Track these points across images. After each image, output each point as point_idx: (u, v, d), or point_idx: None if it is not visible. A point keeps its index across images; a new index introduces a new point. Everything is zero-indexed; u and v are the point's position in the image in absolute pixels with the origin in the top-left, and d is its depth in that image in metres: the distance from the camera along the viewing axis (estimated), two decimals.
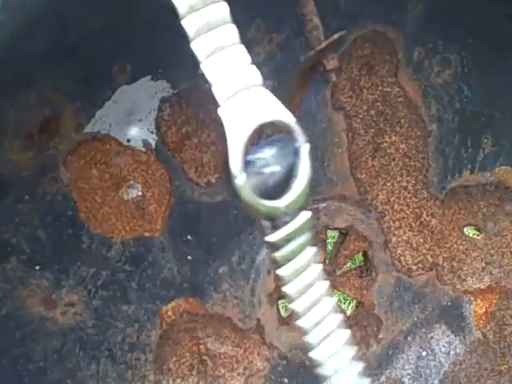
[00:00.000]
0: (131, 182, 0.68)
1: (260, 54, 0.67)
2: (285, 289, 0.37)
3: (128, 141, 0.66)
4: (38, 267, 0.64)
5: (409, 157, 0.79)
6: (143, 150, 0.67)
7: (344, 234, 0.81)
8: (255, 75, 0.35)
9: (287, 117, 0.35)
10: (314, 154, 0.75)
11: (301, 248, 0.36)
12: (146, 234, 0.69)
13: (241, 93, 0.34)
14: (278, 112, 0.35)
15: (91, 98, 0.62)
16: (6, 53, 0.45)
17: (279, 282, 0.37)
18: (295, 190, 0.35)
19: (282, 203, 0.35)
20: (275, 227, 0.35)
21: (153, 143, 0.67)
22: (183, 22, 0.34)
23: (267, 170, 0.35)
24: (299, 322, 0.37)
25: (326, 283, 0.38)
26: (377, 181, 0.79)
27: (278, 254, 0.36)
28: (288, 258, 0.36)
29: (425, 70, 0.76)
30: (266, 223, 0.35)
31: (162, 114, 0.66)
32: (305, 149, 0.36)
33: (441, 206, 0.82)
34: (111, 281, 0.68)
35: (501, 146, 0.81)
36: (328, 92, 0.74)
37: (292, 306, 0.37)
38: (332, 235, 1.10)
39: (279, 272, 0.36)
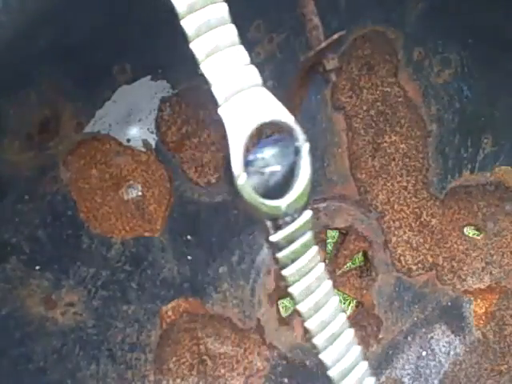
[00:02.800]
0: (131, 181, 0.68)
1: (260, 53, 0.67)
2: (290, 290, 0.36)
3: (128, 141, 0.66)
4: (38, 267, 0.64)
5: (409, 157, 0.79)
6: (143, 149, 0.67)
7: (344, 233, 0.81)
8: (254, 75, 0.35)
9: (287, 116, 0.35)
10: (314, 154, 0.75)
11: (303, 248, 0.36)
12: (146, 234, 0.69)
13: (240, 93, 0.34)
14: (277, 111, 0.35)
15: (91, 98, 0.62)
16: (6, 53, 0.45)
17: (284, 282, 0.36)
18: (296, 190, 0.35)
19: (283, 203, 0.35)
20: (277, 227, 0.35)
21: (153, 143, 0.67)
22: (182, 22, 0.34)
23: (268, 170, 0.35)
24: (306, 324, 0.37)
25: (330, 282, 0.38)
26: (377, 181, 0.79)
27: (280, 255, 0.36)
28: (291, 258, 0.36)
29: (425, 70, 0.76)
30: (268, 223, 0.35)
31: (161, 114, 0.66)
32: (305, 148, 0.36)
33: (441, 205, 0.82)
34: (111, 281, 0.68)
35: (501, 146, 0.81)
36: (328, 92, 0.74)
37: (297, 307, 0.37)
38: (332, 235, 1.10)
39: (283, 272, 0.36)
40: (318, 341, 0.37)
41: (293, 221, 0.35)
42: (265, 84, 0.73)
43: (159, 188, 0.69)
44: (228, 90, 0.34)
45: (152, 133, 0.67)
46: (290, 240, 0.36)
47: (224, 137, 0.34)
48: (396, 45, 0.74)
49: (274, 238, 0.35)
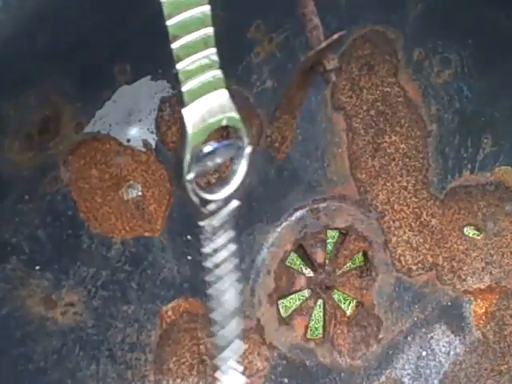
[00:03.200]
0: (131, 181, 0.68)
1: (260, 53, 0.67)
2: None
3: (128, 141, 0.66)
4: (38, 267, 0.64)
5: (409, 157, 0.79)
6: (143, 149, 0.67)
7: (344, 233, 0.81)
8: (220, 79, 0.38)
9: (238, 121, 0.39)
10: (314, 154, 0.75)
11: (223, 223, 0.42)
12: (146, 234, 0.69)
13: (205, 96, 0.37)
14: (232, 117, 0.39)
15: (91, 98, 0.62)
16: (6, 53, 0.45)
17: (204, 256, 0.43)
18: (232, 186, 0.41)
19: (219, 196, 0.41)
20: (208, 213, 0.41)
21: (153, 143, 0.67)
22: (168, 23, 0.35)
23: (212, 164, 0.39)
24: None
25: (234, 246, 0.44)
26: (377, 181, 0.79)
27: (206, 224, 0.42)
28: (213, 233, 0.43)
29: (425, 70, 0.76)
30: (202, 209, 0.41)
31: (161, 113, 0.66)
32: (247, 150, 0.41)
33: (441, 205, 0.82)
34: (111, 281, 0.68)
35: (501, 146, 0.81)
36: (328, 92, 0.74)
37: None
38: (332, 235, 1.10)
39: (204, 250, 0.43)
40: None
41: (222, 208, 0.41)
42: (264, 84, 0.73)
43: (159, 188, 0.69)
44: (195, 91, 0.37)
45: (152, 133, 0.67)
46: (215, 223, 0.42)
47: (182, 134, 0.37)
48: (396, 45, 0.74)
49: (205, 223, 0.42)
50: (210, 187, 0.41)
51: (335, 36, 0.50)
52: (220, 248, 0.43)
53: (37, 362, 0.66)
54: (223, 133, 0.46)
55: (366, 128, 0.77)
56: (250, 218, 0.74)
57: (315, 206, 0.77)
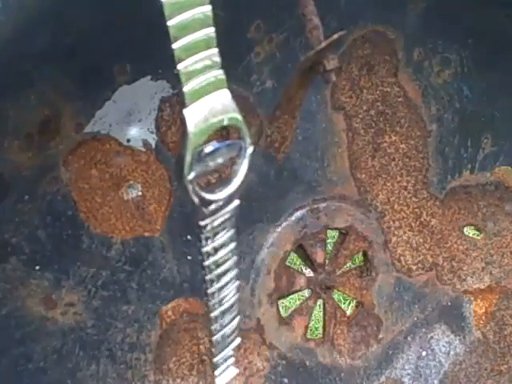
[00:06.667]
0: (131, 182, 0.68)
1: (260, 53, 0.67)
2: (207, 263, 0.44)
3: (128, 141, 0.66)
4: (37, 267, 0.64)
5: (409, 157, 0.79)
6: (143, 149, 0.67)
7: (344, 233, 0.81)
8: (221, 79, 0.38)
9: (240, 121, 0.39)
10: (314, 154, 0.75)
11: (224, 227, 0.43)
12: (146, 234, 0.69)
13: (206, 96, 0.37)
14: (234, 116, 0.39)
15: (91, 98, 0.62)
16: (6, 53, 0.45)
17: (205, 255, 0.44)
18: (233, 185, 0.41)
19: (220, 196, 0.40)
20: (209, 212, 0.41)
21: (153, 143, 0.67)
22: (169, 24, 0.35)
23: (213, 164, 0.39)
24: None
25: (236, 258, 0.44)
26: (377, 181, 0.79)
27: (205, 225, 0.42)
28: (213, 233, 0.43)
29: (425, 70, 0.76)
30: (203, 209, 0.41)
31: (161, 114, 0.67)
32: (249, 150, 0.41)
33: (441, 205, 0.82)
34: (111, 281, 0.68)
35: (501, 146, 0.81)
36: (328, 92, 0.74)
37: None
38: (332, 235, 1.10)
39: (204, 249, 0.43)
40: None
41: (223, 208, 0.42)
42: (264, 84, 0.73)
43: (159, 188, 0.69)
44: (196, 91, 0.37)
45: (152, 133, 0.67)
46: (216, 222, 0.43)
47: (183, 135, 0.36)
48: (396, 45, 0.74)
49: (204, 222, 0.42)
50: (211, 187, 0.41)
51: (335, 36, 0.50)
52: (220, 247, 0.44)
53: (37, 361, 0.66)
54: (223, 132, 0.46)
55: (365, 128, 0.77)
56: (250, 218, 0.74)
57: (315, 206, 0.77)
